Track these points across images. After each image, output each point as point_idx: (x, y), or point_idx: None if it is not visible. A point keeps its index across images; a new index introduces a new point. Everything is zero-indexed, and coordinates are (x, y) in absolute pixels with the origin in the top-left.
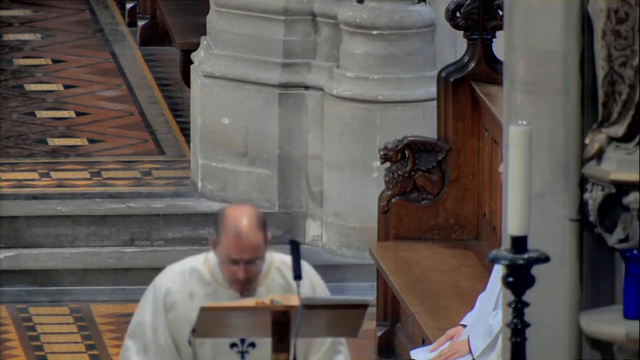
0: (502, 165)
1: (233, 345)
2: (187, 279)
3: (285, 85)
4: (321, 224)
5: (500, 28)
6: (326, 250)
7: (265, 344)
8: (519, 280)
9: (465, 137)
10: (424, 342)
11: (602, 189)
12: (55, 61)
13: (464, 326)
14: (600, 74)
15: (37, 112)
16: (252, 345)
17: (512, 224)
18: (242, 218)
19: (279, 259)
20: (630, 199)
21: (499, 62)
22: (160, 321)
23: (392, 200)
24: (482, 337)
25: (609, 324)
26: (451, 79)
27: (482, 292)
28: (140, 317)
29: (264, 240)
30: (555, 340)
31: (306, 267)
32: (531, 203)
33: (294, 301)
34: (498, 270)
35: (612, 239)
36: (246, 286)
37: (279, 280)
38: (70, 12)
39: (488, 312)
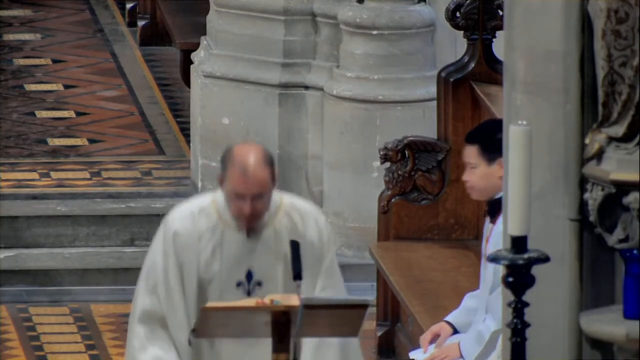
0: (466, 174)
1: (239, 284)
2: (195, 220)
3: (285, 85)
4: None
5: (500, 28)
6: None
7: (271, 282)
8: (519, 280)
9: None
10: None
11: (602, 189)
12: (55, 61)
13: (448, 323)
14: (600, 74)
15: (37, 112)
16: (259, 284)
17: (512, 224)
18: (249, 153)
19: (288, 202)
20: (630, 199)
21: (499, 62)
22: (171, 262)
23: (392, 200)
24: (473, 345)
25: (609, 324)
26: (451, 79)
27: (471, 292)
28: (152, 260)
29: (271, 176)
30: (555, 340)
31: (313, 212)
32: (531, 203)
33: (294, 301)
34: (488, 273)
35: (612, 239)
36: (252, 223)
37: (286, 222)
38: (70, 12)
39: (477, 315)
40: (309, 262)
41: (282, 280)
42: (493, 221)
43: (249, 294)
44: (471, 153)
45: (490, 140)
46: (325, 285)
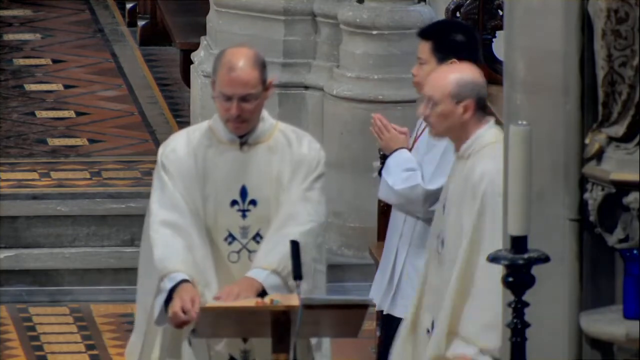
0: (415, 68)
1: (234, 202)
2: (189, 137)
3: (285, 85)
4: None
5: (500, 28)
6: (326, 250)
7: (265, 203)
8: (519, 280)
9: None
10: None
11: (602, 189)
12: (55, 61)
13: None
14: (600, 74)
15: (37, 112)
16: (254, 203)
17: (512, 224)
18: (238, 55)
19: (282, 125)
20: (630, 199)
21: (499, 62)
22: (174, 180)
23: None
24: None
25: (609, 324)
26: None
27: None
28: (160, 185)
29: (259, 78)
30: (555, 340)
31: (310, 136)
32: (531, 203)
33: (294, 301)
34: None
35: (612, 239)
36: (241, 127)
37: (281, 139)
38: (70, 12)
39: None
40: (298, 179)
41: (274, 202)
42: None
43: (244, 214)
44: (424, 49)
45: (444, 40)
46: (292, 215)
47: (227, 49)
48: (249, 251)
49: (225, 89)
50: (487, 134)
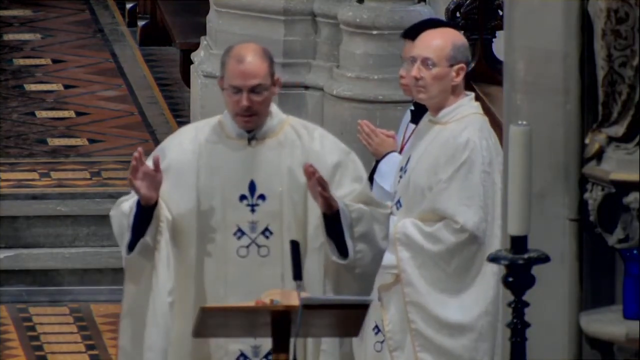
0: (415, 70)
1: (242, 197)
2: (198, 132)
3: (285, 85)
4: None
5: (500, 28)
6: None
7: (275, 197)
8: (519, 280)
9: None
10: None
11: (602, 189)
12: (55, 61)
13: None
14: (600, 74)
15: (37, 112)
16: (262, 198)
17: (512, 224)
18: (247, 48)
19: (293, 119)
20: (630, 199)
21: (499, 62)
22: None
23: None
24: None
25: (609, 324)
26: None
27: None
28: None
29: (268, 70)
30: (555, 340)
31: (321, 129)
32: (531, 203)
33: (294, 301)
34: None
35: (612, 239)
36: (251, 121)
37: (291, 135)
38: (70, 12)
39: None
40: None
41: (287, 197)
42: (415, 122)
43: (252, 209)
44: (412, 50)
45: None
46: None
47: (235, 45)
48: (258, 246)
49: (234, 81)
50: (469, 104)
